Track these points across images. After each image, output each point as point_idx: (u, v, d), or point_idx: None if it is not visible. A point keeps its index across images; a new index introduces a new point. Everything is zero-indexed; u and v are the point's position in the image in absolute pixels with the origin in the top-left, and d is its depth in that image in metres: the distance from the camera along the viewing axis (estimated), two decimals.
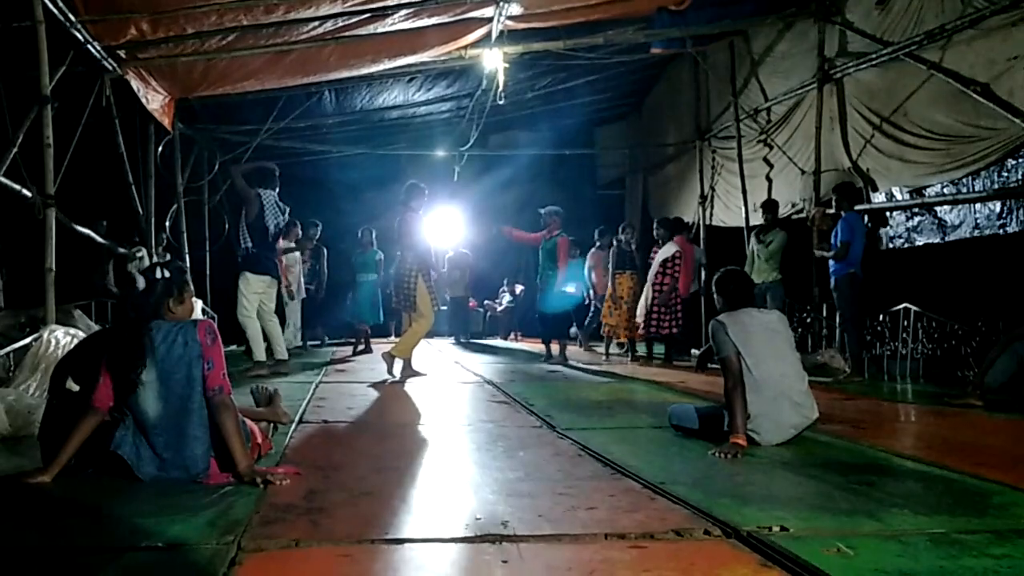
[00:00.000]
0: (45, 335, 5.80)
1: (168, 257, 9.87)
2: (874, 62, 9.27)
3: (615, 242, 11.22)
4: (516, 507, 3.18)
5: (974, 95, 7.78)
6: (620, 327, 10.99)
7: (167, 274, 3.73)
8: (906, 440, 5.19)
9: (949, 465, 4.05)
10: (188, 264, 11.48)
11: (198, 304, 10.84)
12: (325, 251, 12.63)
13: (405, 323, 8.67)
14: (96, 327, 6.99)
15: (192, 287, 3.91)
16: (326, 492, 3.40)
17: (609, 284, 11.13)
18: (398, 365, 8.24)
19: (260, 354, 8.34)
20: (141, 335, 3.56)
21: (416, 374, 8.27)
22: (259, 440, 4.04)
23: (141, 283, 3.64)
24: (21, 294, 8.60)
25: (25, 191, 6.27)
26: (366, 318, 12.00)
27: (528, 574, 2.44)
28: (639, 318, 10.27)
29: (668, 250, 10.23)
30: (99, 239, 8.60)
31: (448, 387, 7.72)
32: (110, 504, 3.21)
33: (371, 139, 15.03)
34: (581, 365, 10.15)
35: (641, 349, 10.81)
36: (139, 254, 9.20)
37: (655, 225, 10.84)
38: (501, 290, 16.53)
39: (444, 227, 16.89)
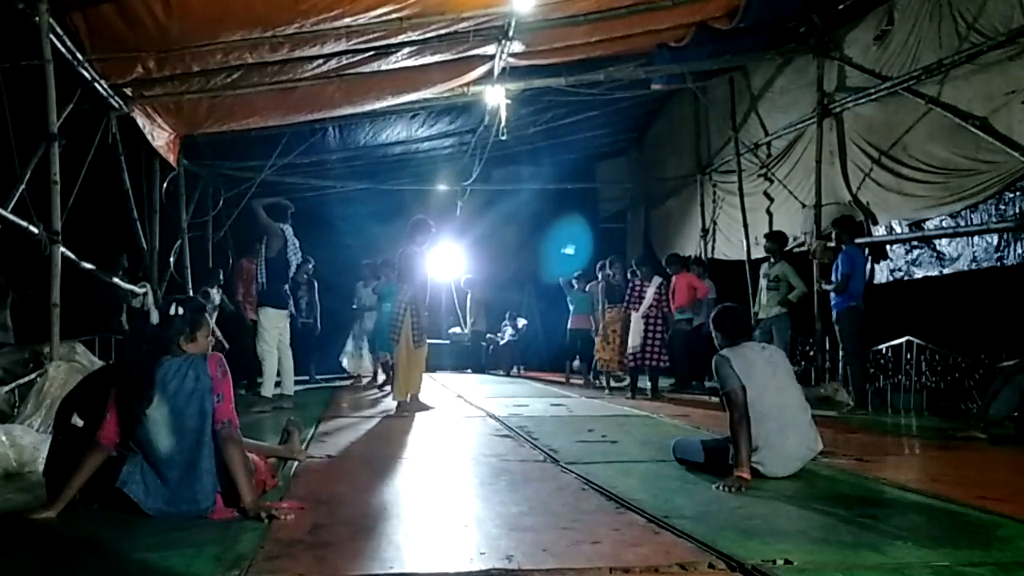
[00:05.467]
0: (50, 371, 5.82)
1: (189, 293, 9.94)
2: (873, 96, 9.37)
3: (604, 276, 11.28)
4: (520, 541, 3.18)
5: (972, 129, 7.85)
6: (614, 360, 11.00)
7: (181, 311, 3.75)
8: (910, 473, 5.18)
9: (953, 498, 4.06)
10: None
11: None
12: (316, 284, 12.88)
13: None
14: (100, 363, 7.01)
15: (210, 325, 3.93)
16: (331, 526, 3.41)
17: (601, 318, 11.17)
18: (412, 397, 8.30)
19: (269, 390, 8.39)
20: (150, 370, 3.57)
21: (424, 407, 8.28)
22: (264, 475, 4.05)
23: (155, 317, 3.65)
24: (31, 329, 8.65)
25: (32, 228, 6.32)
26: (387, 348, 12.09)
27: None
28: (631, 351, 10.27)
29: (656, 281, 10.31)
30: (114, 280, 8.63)
31: (451, 421, 7.71)
32: (115, 539, 3.22)
33: (374, 175, 15.14)
34: (584, 399, 10.14)
35: (642, 383, 10.78)
36: (143, 290, 9.24)
37: (635, 263, 10.97)
38: (503, 323, 16.54)
39: (447, 261, 17.02)
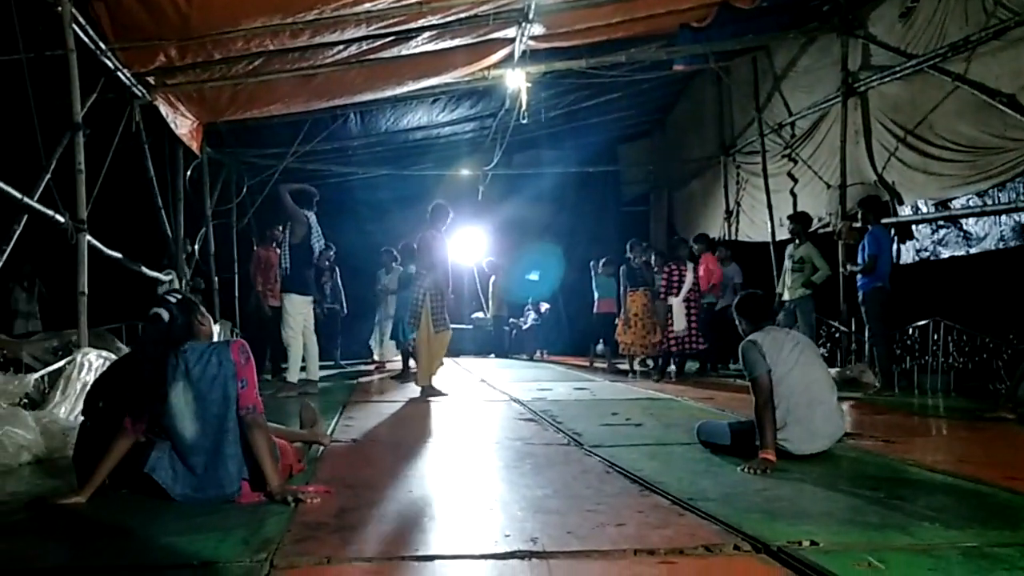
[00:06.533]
0: (78, 358, 5.88)
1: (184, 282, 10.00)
2: (898, 75, 9.25)
3: (625, 260, 11.24)
4: (545, 524, 3.19)
5: (1000, 106, 7.74)
6: (636, 344, 10.97)
7: (179, 296, 3.80)
8: (937, 454, 5.14)
9: (981, 478, 4.03)
10: (217, 286, 11.61)
11: (227, 326, 11.00)
12: (338, 270, 13.07)
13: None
14: (127, 350, 7.08)
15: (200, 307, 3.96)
16: (356, 510, 3.43)
17: (622, 302, 11.15)
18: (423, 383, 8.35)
19: (294, 376, 8.45)
20: (164, 365, 3.60)
21: (438, 393, 8.30)
22: (290, 459, 4.08)
23: (165, 316, 3.67)
24: (58, 317, 8.76)
25: (58, 216, 6.38)
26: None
27: None
28: (678, 334, 10.23)
29: (691, 266, 10.28)
30: (142, 269, 8.69)
31: (475, 405, 7.73)
32: (143, 524, 3.25)
33: (396, 160, 15.14)
34: (607, 383, 10.14)
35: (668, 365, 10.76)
36: (168, 277, 9.30)
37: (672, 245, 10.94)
38: (526, 308, 16.55)
39: (468, 246, 17.05)
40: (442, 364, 8.67)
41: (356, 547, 2.87)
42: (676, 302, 10.17)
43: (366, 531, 3.10)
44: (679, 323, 10.16)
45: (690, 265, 10.32)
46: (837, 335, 10.29)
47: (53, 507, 3.49)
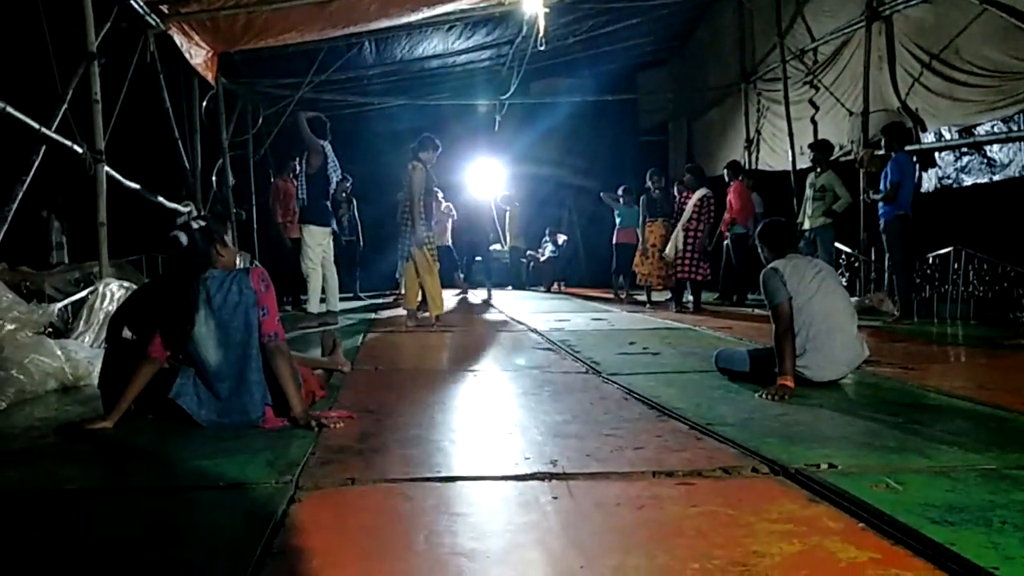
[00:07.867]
0: (100, 288, 5.95)
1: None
2: None
3: (644, 189, 11.14)
4: (564, 447, 3.22)
5: None
6: (653, 275, 10.95)
7: (203, 224, 3.79)
8: (956, 380, 5.13)
9: (1000, 404, 4.04)
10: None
11: (245, 257, 11.06)
12: (355, 202, 13.03)
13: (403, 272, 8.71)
14: (147, 280, 7.15)
15: (231, 226, 3.97)
16: (379, 434, 3.47)
17: (640, 232, 11.08)
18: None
19: (315, 306, 8.50)
20: (189, 291, 3.62)
21: (415, 318, 8.41)
22: (312, 386, 4.13)
23: (183, 239, 3.68)
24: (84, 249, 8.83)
25: (76, 147, 6.38)
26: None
27: (578, 509, 2.48)
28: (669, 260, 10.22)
29: (699, 193, 10.11)
30: (159, 199, 8.70)
31: (493, 335, 7.77)
32: (170, 448, 3.32)
33: (412, 90, 15.00)
34: (625, 313, 10.15)
35: (685, 296, 10.75)
36: (187, 208, 9.32)
37: (686, 171, 10.72)
38: (544, 240, 16.51)
39: (487, 178, 16.95)
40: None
41: (379, 469, 2.91)
42: (677, 229, 10.10)
43: (389, 454, 3.14)
44: (670, 252, 10.12)
45: (698, 193, 10.12)
46: (857, 264, 10.24)
47: (81, 432, 3.56)
